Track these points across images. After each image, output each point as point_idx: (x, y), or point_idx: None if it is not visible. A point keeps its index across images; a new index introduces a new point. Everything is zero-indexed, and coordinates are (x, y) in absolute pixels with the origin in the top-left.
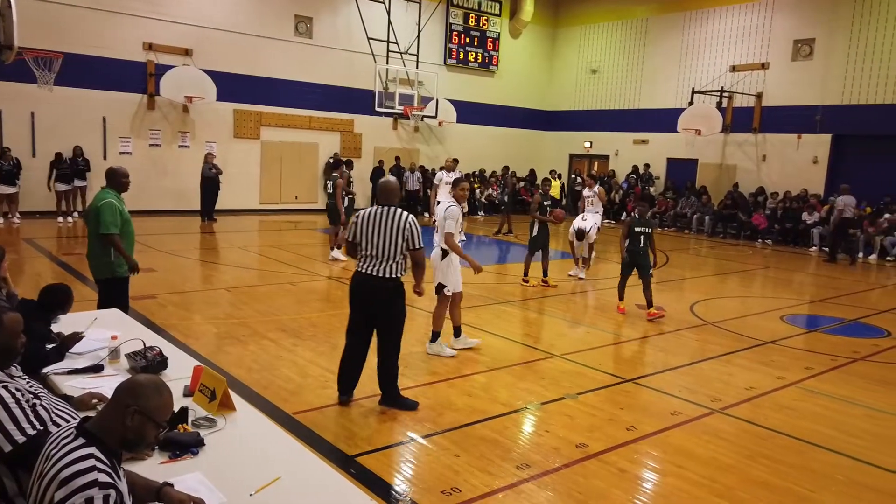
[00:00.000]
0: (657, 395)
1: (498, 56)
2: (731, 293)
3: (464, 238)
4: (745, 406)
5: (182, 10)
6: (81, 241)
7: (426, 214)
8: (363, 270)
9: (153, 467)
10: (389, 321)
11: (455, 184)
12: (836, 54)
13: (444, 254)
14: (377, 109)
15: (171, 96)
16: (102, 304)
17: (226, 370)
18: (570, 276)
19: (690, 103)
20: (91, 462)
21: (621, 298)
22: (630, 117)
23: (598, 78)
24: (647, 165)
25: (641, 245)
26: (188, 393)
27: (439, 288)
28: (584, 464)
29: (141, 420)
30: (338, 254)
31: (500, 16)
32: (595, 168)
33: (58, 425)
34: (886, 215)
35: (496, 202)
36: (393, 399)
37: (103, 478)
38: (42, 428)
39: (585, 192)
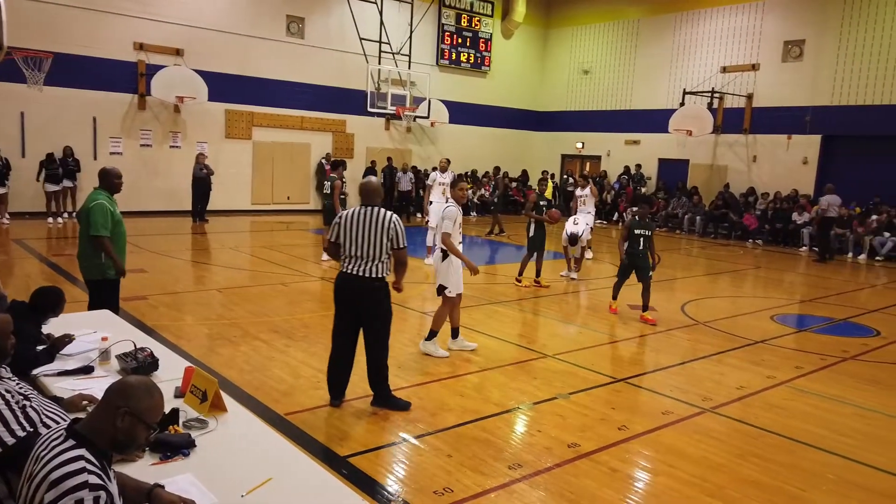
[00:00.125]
0: (648, 395)
1: (490, 57)
2: (721, 293)
3: (460, 239)
4: (735, 405)
5: (173, 10)
6: (71, 241)
7: (419, 215)
8: (348, 271)
9: (144, 469)
10: (377, 321)
11: (454, 184)
12: (825, 55)
13: (445, 255)
14: (369, 110)
15: (162, 96)
16: (93, 305)
17: (217, 371)
18: (561, 276)
19: (682, 104)
20: (81, 464)
21: (615, 298)
22: (622, 118)
23: (590, 79)
24: (638, 166)
25: (641, 247)
26: (179, 394)
27: (440, 289)
28: (575, 463)
29: (131, 421)
30: None
31: (492, 16)
32: (587, 168)
33: (48, 427)
34: (874, 216)
35: (489, 203)
36: (385, 399)
37: (93, 479)
38: (32, 430)
39: (578, 191)
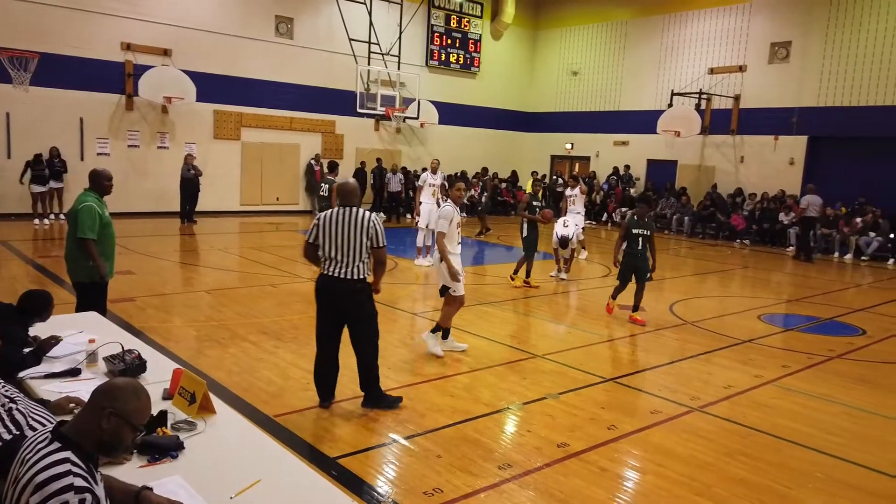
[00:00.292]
0: (637, 395)
1: (479, 58)
2: (709, 293)
3: (459, 240)
4: (723, 404)
5: (161, 10)
6: (58, 243)
7: (409, 216)
8: (329, 273)
9: (132, 471)
10: (362, 323)
11: (451, 184)
12: (811, 57)
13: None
14: (359, 110)
15: (150, 97)
16: (80, 307)
17: (206, 373)
18: (551, 276)
19: (670, 105)
20: (66, 466)
21: (614, 298)
22: (610, 119)
23: (579, 80)
24: (627, 167)
25: (640, 248)
26: (167, 396)
27: (443, 290)
28: (565, 463)
29: (117, 423)
30: None
31: (481, 17)
32: (577, 169)
33: (34, 430)
34: (858, 218)
35: (476, 204)
36: (376, 400)
37: (79, 482)
38: (18, 432)
39: (568, 191)
